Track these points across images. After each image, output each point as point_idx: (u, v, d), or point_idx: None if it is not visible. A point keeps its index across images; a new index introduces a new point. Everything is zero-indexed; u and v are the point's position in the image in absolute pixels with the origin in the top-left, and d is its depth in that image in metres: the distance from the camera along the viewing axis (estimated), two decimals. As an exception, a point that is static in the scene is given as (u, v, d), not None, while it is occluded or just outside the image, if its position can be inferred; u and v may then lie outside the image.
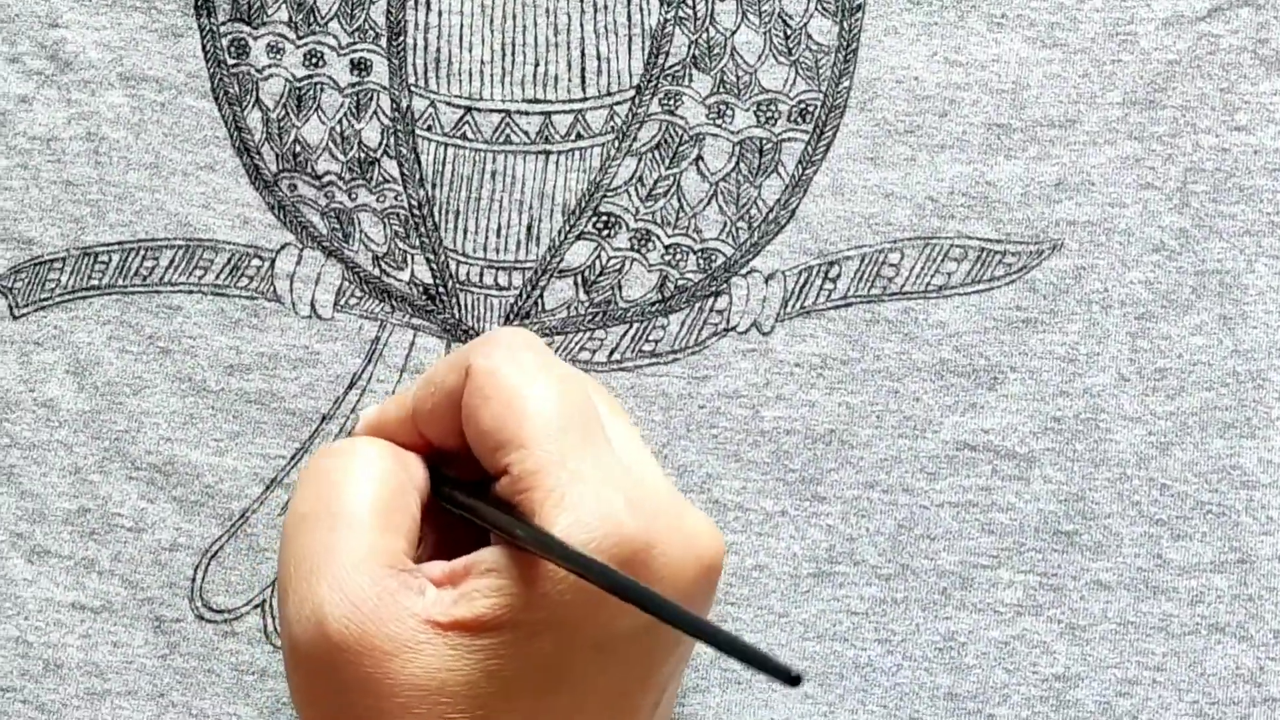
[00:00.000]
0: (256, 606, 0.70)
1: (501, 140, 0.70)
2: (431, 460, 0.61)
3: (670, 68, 0.69)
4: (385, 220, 0.70)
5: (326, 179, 0.70)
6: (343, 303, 0.70)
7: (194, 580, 0.70)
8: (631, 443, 0.60)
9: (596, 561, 0.54)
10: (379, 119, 0.70)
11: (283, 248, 0.70)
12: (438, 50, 0.69)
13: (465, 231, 0.70)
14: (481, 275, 0.70)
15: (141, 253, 0.70)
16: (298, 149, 0.70)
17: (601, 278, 0.70)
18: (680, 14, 0.69)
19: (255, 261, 0.70)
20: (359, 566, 0.56)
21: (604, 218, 0.70)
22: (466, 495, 0.59)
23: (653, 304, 0.70)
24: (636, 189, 0.70)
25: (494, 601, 0.55)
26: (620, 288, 0.70)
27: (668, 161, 0.70)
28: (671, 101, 0.69)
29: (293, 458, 0.70)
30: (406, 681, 0.55)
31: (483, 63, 0.69)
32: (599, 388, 0.62)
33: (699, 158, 0.70)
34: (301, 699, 0.57)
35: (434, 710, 0.55)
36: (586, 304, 0.70)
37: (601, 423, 0.58)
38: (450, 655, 0.55)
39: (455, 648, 0.55)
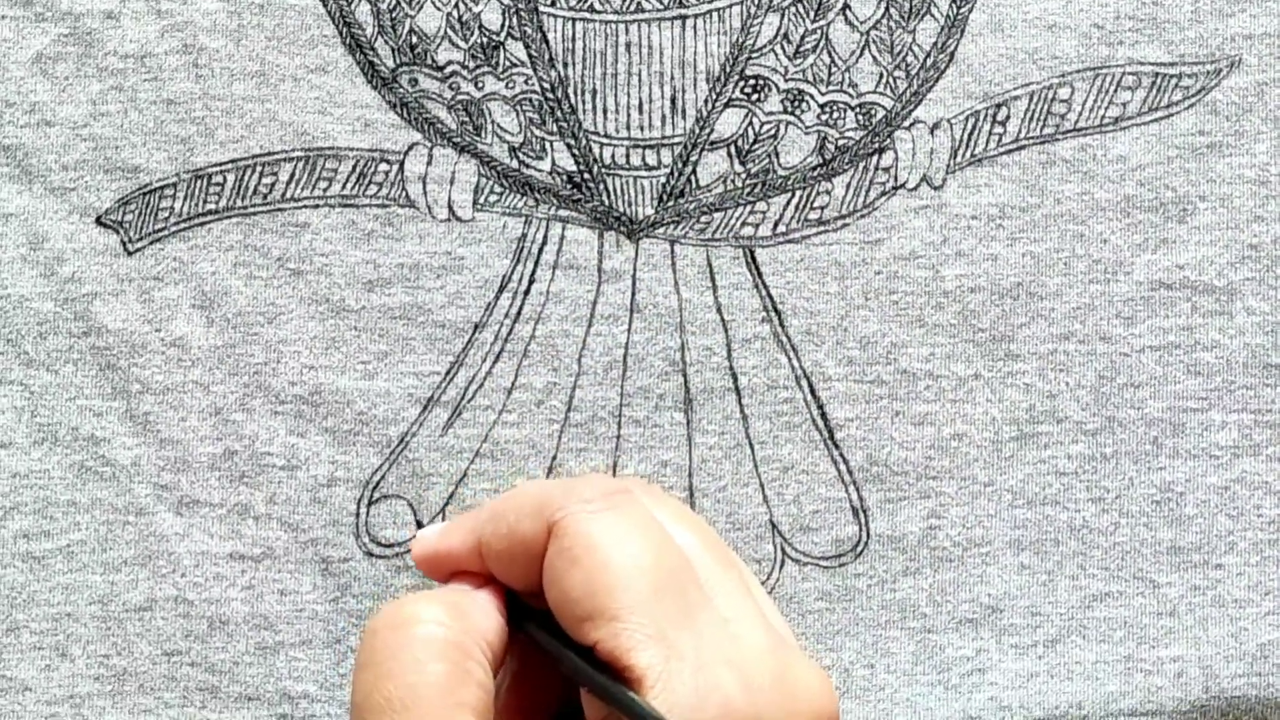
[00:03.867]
0: (429, 535, 0.65)
1: (632, 9, 0.64)
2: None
3: (803, -88, 0.64)
4: (518, 108, 0.65)
5: (449, 69, 0.64)
6: (482, 201, 0.65)
7: (358, 515, 0.65)
8: (733, 596, 0.54)
9: None
10: (498, -1, 0.64)
11: (411, 148, 0.65)
12: (552, -82, 0.64)
13: (605, 111, 0.65)
14: (628, 156, 0.65)
15: (258, 169, 0.65)
16: (414, 40, 0.64)
17: (756, 146, 0.65)
18: None
19: (382, 166, 0.65)
20: None
21: (752, 81, 0.65)
22: (557, 642, 0.54)
23: (814, 168, 0.65)
24: (783, 47, 0.65)
25: None
26: (777, 154, 0.65)
27: (813, 14, 0.65)
28: (808, -52, 0.64)
29: (448, 373, 0.65)
30: None
31: (603, -74, 0.64)
32: (699, 527, 0.56)
33: (846, 6, 0.65)
34: None
35: None
36: (743, 175, 0.65)
37: (699, 581, 0.53)
38: None
39: None
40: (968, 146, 0.65)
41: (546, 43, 0.64)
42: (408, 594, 0.53)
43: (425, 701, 0.52)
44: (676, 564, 0.53)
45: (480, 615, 0.54)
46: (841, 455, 0.65)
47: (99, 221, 0.65)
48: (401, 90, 0.65)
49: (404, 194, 0.65)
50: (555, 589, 0.53)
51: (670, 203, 0.65)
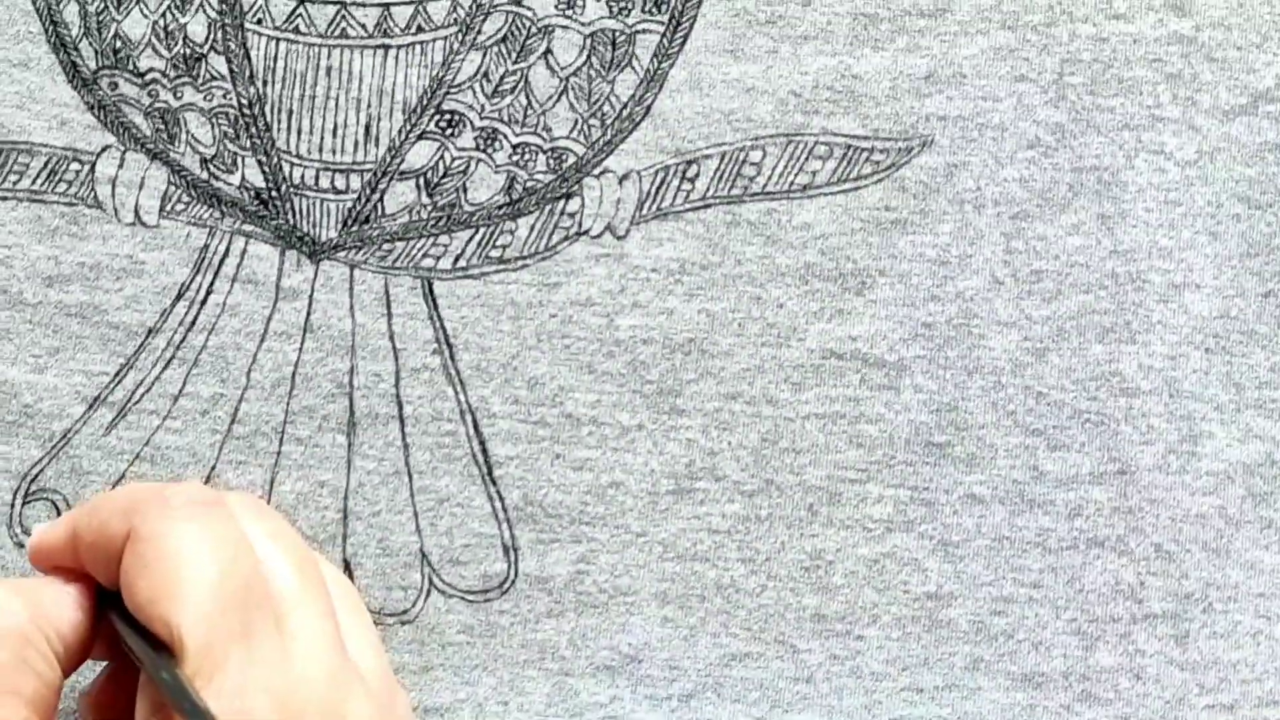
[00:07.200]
0: (79, 533, 0.65)
1: (337, 34, 0.65)
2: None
3: (517, -45, 0.65)
4: (213, 120, 0.65)
5: (150, 76, 0.65)
6: (169, 209, 0.66)
7: (12, 506, 0.65)
8: (309, 619, 0.54)
9: None
10: (205, 12, 0.65)
11: (103, 150, 0.65)
12: (268, -62, 0.65)
13: (299, 132, 0.65)
14: (317, 178, 0.66)
15: (-49, 157, 0.65)
16: (118, 44, 0.65)
17: (445, 180, 0.66)
18: (527, -102, 0.65)
19: (74, 165, 0.65)
20: None
21: (447, 116, 0.66)
22: (125, 625, 0.55)
23: (500, 207, 0.66)
24: (482, 85, 0.66)
25: None
26: (465, 190, 0.66)
27: (514, 55, 0.65)
28: (519, -9, 0.65)
29: (117, 374, 0.66)
30: None
31: (316, -49, 0.65)
32: (293, 548, 0.56)
33: (548, 51, 0.65)
34: None
35: None
36: (430, 208, 0.66)
37: (274, 601, 0.54)
38: None
39: None
40: (655, 200, 0.66)
41: (248, 59, 0.65)
42: None
43: None
44: (248, 581, 0.54)
45: (58, 607, 0.55)
46: (498, 492, 0.66)
47: None
48: (101, 92, 0.65)
49: (92, 194, 0.66)
50: (127, 593, 0.54)
51: (354, 228, 0.66)
